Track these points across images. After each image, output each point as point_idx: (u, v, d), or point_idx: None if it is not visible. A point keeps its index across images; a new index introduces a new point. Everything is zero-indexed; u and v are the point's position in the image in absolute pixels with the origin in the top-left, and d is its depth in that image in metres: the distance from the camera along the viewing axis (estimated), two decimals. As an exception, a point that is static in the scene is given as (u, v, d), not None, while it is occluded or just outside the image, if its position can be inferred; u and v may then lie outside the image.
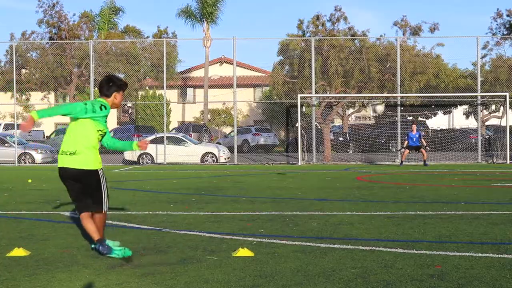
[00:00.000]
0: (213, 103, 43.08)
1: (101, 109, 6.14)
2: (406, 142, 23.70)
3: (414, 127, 23.72)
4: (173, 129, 41.63)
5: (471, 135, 30.50)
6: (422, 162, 24.01)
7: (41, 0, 27.91)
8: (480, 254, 6.13)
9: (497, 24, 35.12)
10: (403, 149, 24.13)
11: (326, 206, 10.36)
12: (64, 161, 6.11)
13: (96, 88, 29.17)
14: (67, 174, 6.13)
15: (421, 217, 8.82)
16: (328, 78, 27.99)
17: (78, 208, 6.28)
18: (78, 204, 6.25)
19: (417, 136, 23.45)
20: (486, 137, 30.02)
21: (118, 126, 46.79)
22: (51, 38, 28.37)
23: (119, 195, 12.75)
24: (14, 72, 27.77)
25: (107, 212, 6.37)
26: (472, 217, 8.70)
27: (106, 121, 6.33)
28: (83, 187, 6.14)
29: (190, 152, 27.22)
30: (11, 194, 12.97)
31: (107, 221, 8.73)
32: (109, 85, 6.33)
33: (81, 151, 6.08)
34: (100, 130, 6.21)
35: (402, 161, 23.98)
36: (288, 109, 31.87)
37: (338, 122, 42.87)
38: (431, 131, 34.50)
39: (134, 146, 6.68)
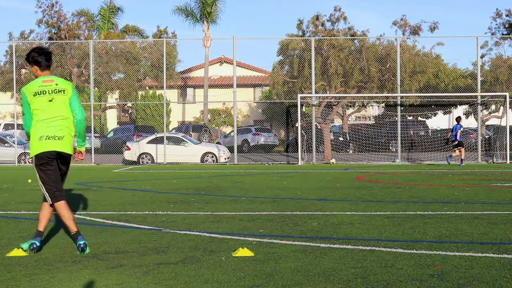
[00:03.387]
0: (213, 103, 43.10)
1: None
2: (451, 134, 23.18)
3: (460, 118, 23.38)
4: (173, 129, 41.63)
5: (471, 135, 30.52)
6: (459, 162, 23.55)
7: (40, 0, 27.90)
8: (480, 254, 6.12)
9: (496, 24, 35.15)
10: (456, 148, 22.99)
11: (326, 206, 10.35)
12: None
13: (96, 88, 29.17)
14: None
15: (421, 217, 8.81)
16: (328, 78, 27.99)
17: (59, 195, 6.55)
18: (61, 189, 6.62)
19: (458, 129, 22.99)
20: (486, 137, 30.00)
21: (118, 126, 46.78)
22: (50, 38, 28.35)
23: (119, 195, 12.75)
24: (14, 72, 27.77)
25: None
26: (472, 217, 8.70)
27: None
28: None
29: (190, 152, 27.23)
30: (11, 194, 12.96)
31: (107, 221, 8.77)
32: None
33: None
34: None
35: (462, 160, 23.13)
36: (288, 109, 31.87)
37: (338, 122, 42.90)
38: (431, 131, 34.53)
39: (80, 147, 6.82)
